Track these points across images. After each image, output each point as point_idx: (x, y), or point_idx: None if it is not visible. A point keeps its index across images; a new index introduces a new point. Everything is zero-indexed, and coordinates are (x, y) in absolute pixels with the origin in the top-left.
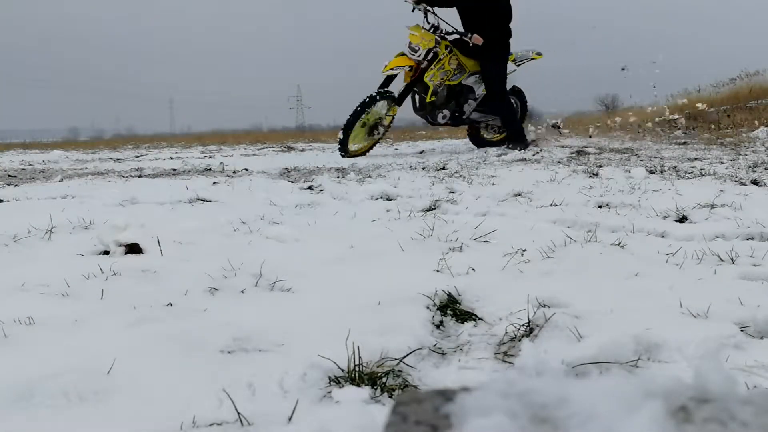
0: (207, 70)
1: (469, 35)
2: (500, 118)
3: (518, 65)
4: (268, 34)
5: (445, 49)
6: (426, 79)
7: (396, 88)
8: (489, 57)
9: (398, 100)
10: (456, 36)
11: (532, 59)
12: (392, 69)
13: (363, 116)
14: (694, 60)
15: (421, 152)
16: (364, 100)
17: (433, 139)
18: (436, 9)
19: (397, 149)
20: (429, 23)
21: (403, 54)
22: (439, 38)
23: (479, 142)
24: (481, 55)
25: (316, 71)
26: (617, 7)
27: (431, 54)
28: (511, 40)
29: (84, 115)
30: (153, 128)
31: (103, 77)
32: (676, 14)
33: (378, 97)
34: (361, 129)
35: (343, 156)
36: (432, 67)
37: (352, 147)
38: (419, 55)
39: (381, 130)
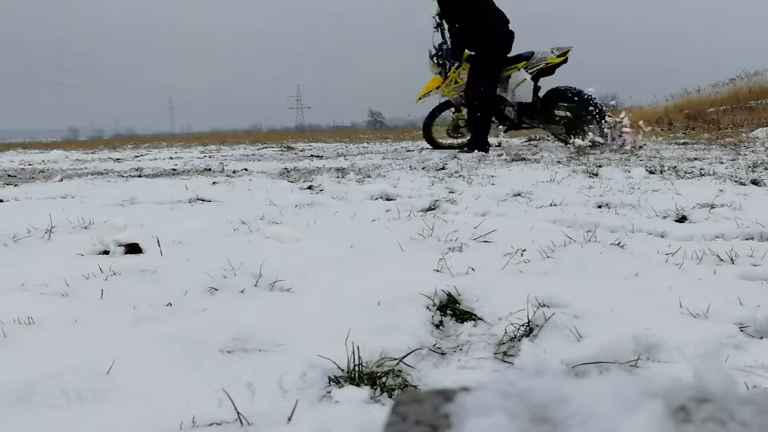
0: (207, 70)
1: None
2: (469, 123)
3: (531, 72)
4: (268, 33)
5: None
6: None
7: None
8: (469, 72)
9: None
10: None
11: (548, 64)
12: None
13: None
14: (694, 60)
15: (421, 151)
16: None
17: None
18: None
19: (396, 149)
20: (435, 46)
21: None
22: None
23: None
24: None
25: (316, 71)
26: (616, 7)
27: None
28: (512, 49)
29: (84, 115)
30: (153, 128)
31: (103, 77)
32: (675, 14)
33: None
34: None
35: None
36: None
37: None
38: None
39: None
